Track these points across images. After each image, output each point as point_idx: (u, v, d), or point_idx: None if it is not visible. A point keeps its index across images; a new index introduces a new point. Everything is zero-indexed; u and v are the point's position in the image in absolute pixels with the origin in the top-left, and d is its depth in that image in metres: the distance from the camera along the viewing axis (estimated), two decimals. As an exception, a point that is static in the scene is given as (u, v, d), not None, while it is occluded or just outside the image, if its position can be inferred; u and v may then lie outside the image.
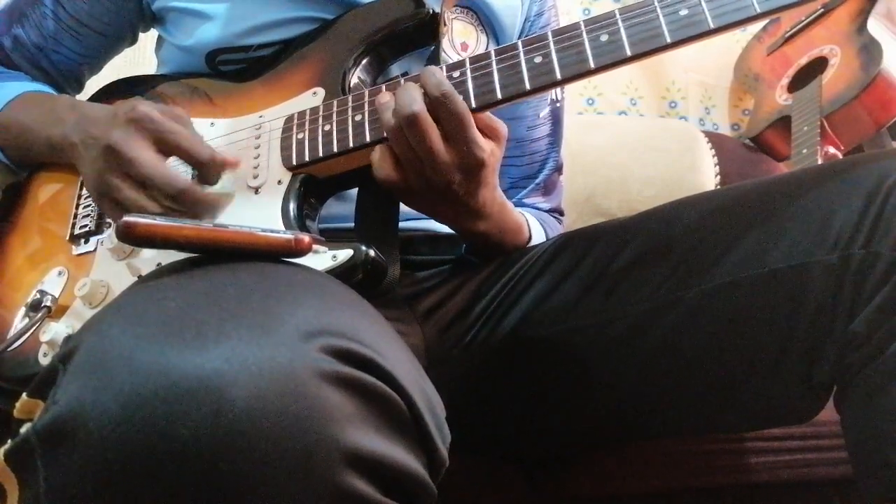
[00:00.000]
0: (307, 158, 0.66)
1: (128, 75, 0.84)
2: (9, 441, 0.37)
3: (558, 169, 0.94)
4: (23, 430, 0.36)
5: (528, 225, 0.81)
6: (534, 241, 0.81)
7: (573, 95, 1.73)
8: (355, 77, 0.71)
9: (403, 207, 0.69)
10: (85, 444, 0.33)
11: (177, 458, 0.33)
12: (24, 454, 0.35)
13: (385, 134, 0.62)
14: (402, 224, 0.72)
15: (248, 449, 0.33)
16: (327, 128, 0.66)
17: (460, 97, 0.60)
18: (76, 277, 0.69)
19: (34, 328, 0.65)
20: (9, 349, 0.65)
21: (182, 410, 0.33)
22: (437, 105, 0.60)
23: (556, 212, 0.95)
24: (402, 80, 0.65)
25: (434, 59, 0.74)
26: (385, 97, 0.63)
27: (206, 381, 0.33)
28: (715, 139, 1.61)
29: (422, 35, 0.72)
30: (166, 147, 0.63)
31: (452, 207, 0.66)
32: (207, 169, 0.64)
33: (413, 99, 0.60)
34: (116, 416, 0.33)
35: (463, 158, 0.61)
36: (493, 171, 0.65)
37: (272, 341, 0.36)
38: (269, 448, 0.34)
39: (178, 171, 0.64)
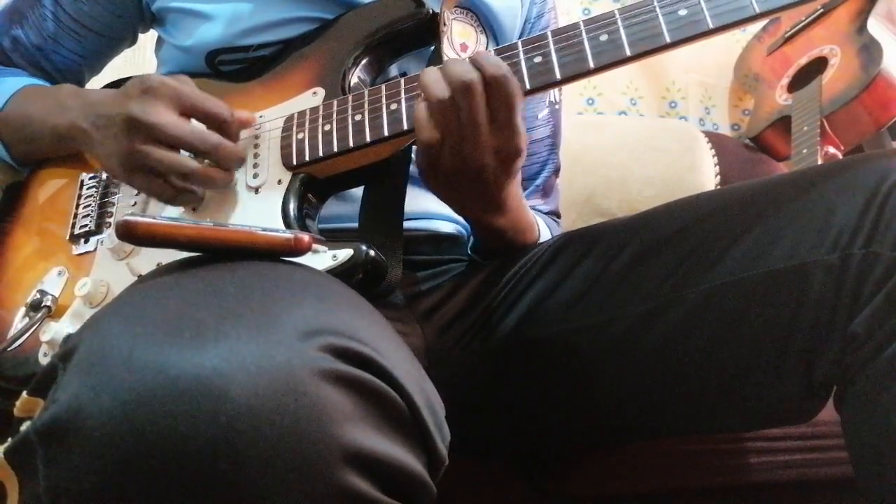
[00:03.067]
0: (307, 158, 0.66)
1: (128, 75, 0.84)
2: (9, 439, 0.37)
3: (556, 171, 0.94)
4: (23, 428, 0.36)
5: (538, 225, 0.81)
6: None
7: (573, 95, 1.73)
8: (355, 77, 0.71)
9: (406, 207, 0.69)
10: (84, 443, 0.33)
11: (175, 456, 0.33)
12: (24, 452, 0.35)
13: (429, 107, 0.60)
14: (403, 224, 0.72)
15: (246, 448, 0.33)
16: (327, 128, 0.66)
17: (516, 80, 0.59)
18: (76, 277, 0.69)
19: (34, 328, 0.65)
20: (9, 349, 0.65)
21: (181, 409, 0.33)
22: (494, 84, 0.58)
23: (555, 214, 0.95)
24: (402, 81, 0.65)
25: (435, 59, 0.74)
26: (431, 75, 0.60)
27: (204, 379, 0.34)
28: (715, 139, 1.61)
29: (421, 35, 0.72)
30: (187, 109, 0.65)
31: (480, 195, 0.65)
32: (229, 126, 0.65)
33: (468, 69, 0.59)
34: (115, 414, 0.33)
35: (504, 143, 0.61)
36: (521, 164, 0.64)
37: (271, 340, 0.36)
38: (267, 447, 0.34)
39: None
